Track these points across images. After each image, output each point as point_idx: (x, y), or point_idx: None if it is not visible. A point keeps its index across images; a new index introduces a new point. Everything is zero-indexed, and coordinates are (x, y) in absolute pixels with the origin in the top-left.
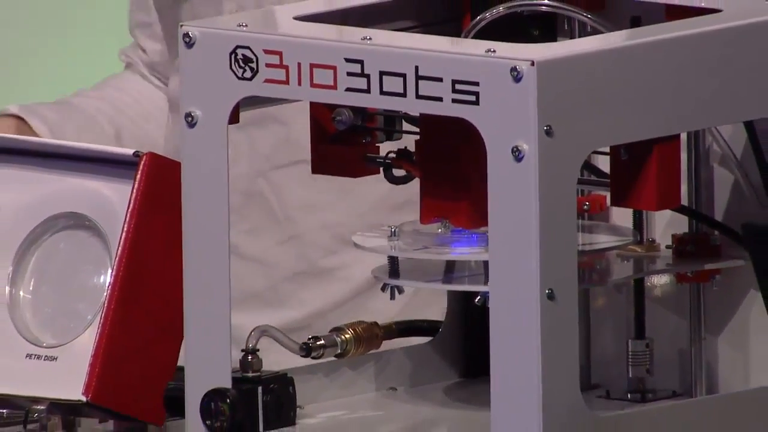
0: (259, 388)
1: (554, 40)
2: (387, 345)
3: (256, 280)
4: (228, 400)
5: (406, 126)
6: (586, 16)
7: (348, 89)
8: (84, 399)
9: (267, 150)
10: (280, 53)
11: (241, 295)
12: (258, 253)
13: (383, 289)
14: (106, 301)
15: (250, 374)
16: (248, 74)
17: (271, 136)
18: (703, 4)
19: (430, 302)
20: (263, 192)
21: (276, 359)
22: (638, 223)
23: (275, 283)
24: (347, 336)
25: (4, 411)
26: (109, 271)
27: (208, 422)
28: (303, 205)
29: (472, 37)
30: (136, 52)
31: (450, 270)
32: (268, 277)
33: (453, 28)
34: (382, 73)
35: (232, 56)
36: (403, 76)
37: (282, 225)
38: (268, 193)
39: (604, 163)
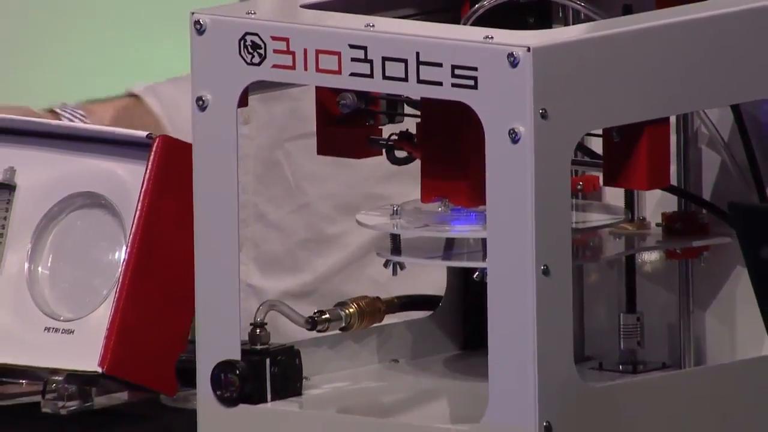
0: (267, 360)
1: (549, 27)
2: (389, 319)
3: (276, 246)
4: (237, 372)
5: (407, 109)
6: (579, 4)
7: (352, 74)
8: (100, 370)
9: (282, 122)
10: (287, 40)
11: (265, 258)
12: (277, 219)
13: (386, 265)
14: (120, 277)
15: (259, 347)
16: (256, 60)
17: (286, 110)
18: None
19: (428, 270)
20: (280, 162)
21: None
22: (630, 202)
23: (290, 248)
24: (351, 310)
25: (24, 382)
26: (124, 247)
27: (218, 392)
28: (310, 175)
29: (471, 25)
30: None
31: (450, 247)
32: (285, 243)
33: (452, 16)
34: (384, 59)
35: (241, 42)
36: (405, 61)
37: (294, 194)
38: (283, 163)
39: (597, 145)
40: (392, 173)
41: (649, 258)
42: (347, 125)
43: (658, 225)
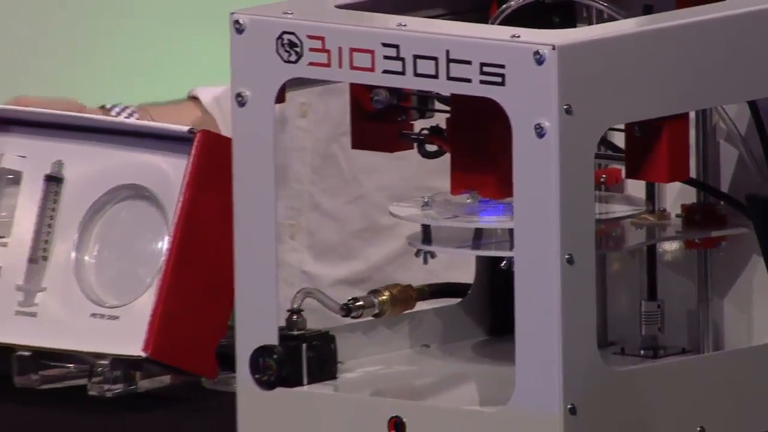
0: (304, 345)
1: (573, 26)
2: (420, 306)
3: (331, 235)
4: (275, 356)
5: (438, 105)
6: (602, 5)
7: (385, 71)
8: (144, 355)
9: (338, 116)
10: (322, 38)
11: (320, 246)
12: (332, 209)
13: (417, 254)
14: (163, 266)
15: (295, 332)
16: (293, 58)
17: (342, 104)
18: None
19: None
20: (336, 154)
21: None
22: (650, 194)
23: (345, 237)
24: (384, 297)
25: (71, 365)
26: (166, 238)
27: (256, 376)
28: (365, 167)
29: (499, 24)
30: None
31: (478, 237)
32: (340, 232)
33: (481, 16)
34: (416, 57)
35: (279, 41)
36: (435, 59)
37: (350, 185)
38: (340, 156)
39: (619, 139)
40: (444, 166)
41: (669, 248)
42: (380, 120)
43: (677, 216)
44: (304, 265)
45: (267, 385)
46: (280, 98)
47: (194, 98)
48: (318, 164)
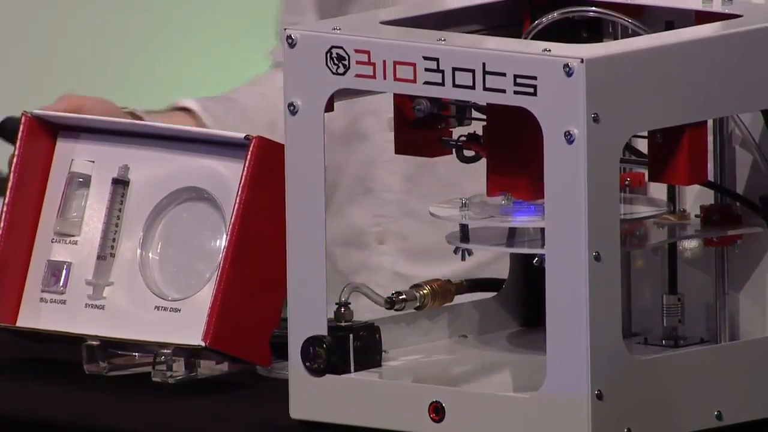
0: (351, 335)
1: (600, 41)
2: (459, 299)
3: (428, 238)
4: (324, 345)
5: (475, 113)
6: (627, 21)
7: (426, 83)
8: (203, 344)
9: None
10: (368, 52)
11: (415, 249)
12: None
13: (456, 251)
14: (221, 262)
15: (343, 323)
16: (341, 70)
17: None
18: (726, 11)
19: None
20: (435, 162)
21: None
22: (671, 196)
23: (443, 239)
24: (425, 291)
25: (136, 354)
26: (224, 236)
27: (307, 364)
28: (469, 172)
29: (531, 39)
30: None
31: (512, 235)
32: (437, 234)
33: (514, 31)
34: (454, 69)
35: (328, 55)
36: (473, 71)
37: (450, 190)
38: (438, 163)
39: (642, 145)
40: None
41: (689, 245)
42: (421, 128)
43: (696, 216)
44: (397, 267)
45: (317, 372)
46: (329, 107)
47: (182, 108)
48: (412, 172)
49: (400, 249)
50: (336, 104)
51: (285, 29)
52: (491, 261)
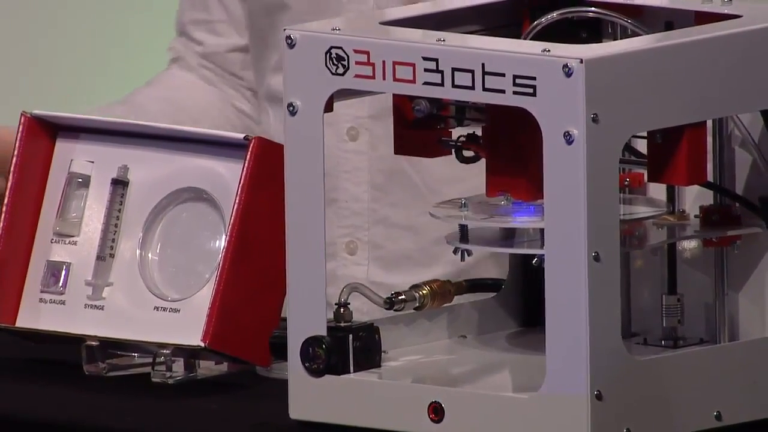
0: (350, 336)
1: (600, 41)
2: (458, 299)
3: (405, 244)
4: (324, 346)
5: (474, 114)
6: (626, 21)
7: (425, 83)
8: (203, 345)
9: None
10: (367, 52)
11: (392, 257)
12: (404, 221)
13: (455, 252)
14: (220, 262)
15: (342, 324)
16: (340, 70)
17: None
18: (725, 11)
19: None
20: (405, 170)
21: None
22: (671, 196)
23: (424, 245)
24: (424, 292)
25: (136, 354)
26: (224, 236)
27: (306, 364)
28: (449, 178)
29: (530, 39)
30: (188, 45)
31: (511, 236)
32: (416, 241)
33: (513, 32)
34: (454, 69)
35: (327, 55)
36: (472, 71)
37: (427, 196)
38: (409, 170)
39: (642, 146)
40: None
41: (689, 246)
42: (421, 128)
43: (696, 217)
44: (372, 276)
45: (316, 372)
46: (328, 108)
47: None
48: (381, 181)
49: (374, 258)
50: (280, 116)
51: (285, 29)
52: (471, 266)
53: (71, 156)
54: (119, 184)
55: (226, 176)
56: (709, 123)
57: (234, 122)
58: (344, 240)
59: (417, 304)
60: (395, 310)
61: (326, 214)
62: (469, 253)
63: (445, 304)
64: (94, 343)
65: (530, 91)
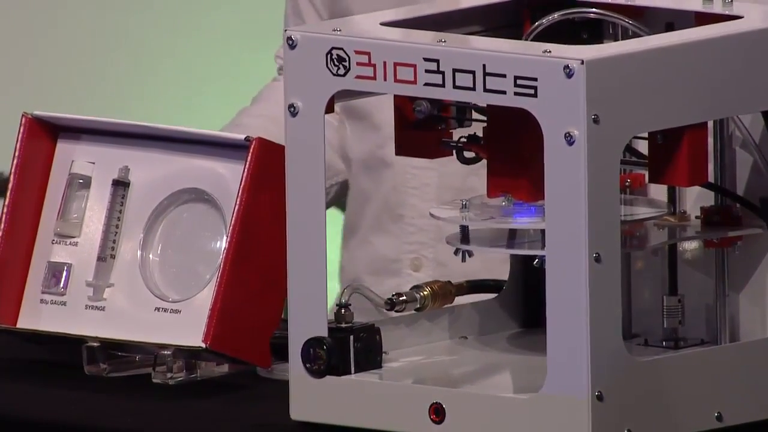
0: (351, 337)
1: (601, 42)
2: (459, 300)
3: (470, 263)
4: (325, 347)
5: (475, 115)
6: (627, 22)
7: (426, 84)
8: (203, 345)
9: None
10: (368, 53)
11: (457, 276)
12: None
13: (456, 253)
14: (221, 263)
15: (343, 325)
16: (342, 71)
17: None
18: (726, 12)
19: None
20: (474, 187)
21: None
22: (672, 197)
23: (491, 266)
24: (425, 293)
25: (137, 355)
26: (224, 237)
27: (307, 365)
28: (464, 188)
29: (531, 40)
30: None
31: (512, 237)
32: (483, 260)
33: (514, 33)
34: (455, 70)
35: (328, 56)
36: (473, 72)
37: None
38: (479, 188)
39: (643, 146)
40: None
41: (689, 247)
42: (422, 129)
43: (697, 217)
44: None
45: (317, 373)
46: (329, 108)
47: None
48: (449, 198)
49: (440, 276)
50: (355, 130)
51: (285, 30)
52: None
53: (72, 157)
54: (120, 185)
55: (227, 177)
56: (710, 124)
57: (330, 137)
58: (410, 257)
59: (418, 305)
60: (396, 311)
61: (392, 230)
62: (470, 254)
63: (446, 305)
64: (95, 344)
65: (531, 92)
